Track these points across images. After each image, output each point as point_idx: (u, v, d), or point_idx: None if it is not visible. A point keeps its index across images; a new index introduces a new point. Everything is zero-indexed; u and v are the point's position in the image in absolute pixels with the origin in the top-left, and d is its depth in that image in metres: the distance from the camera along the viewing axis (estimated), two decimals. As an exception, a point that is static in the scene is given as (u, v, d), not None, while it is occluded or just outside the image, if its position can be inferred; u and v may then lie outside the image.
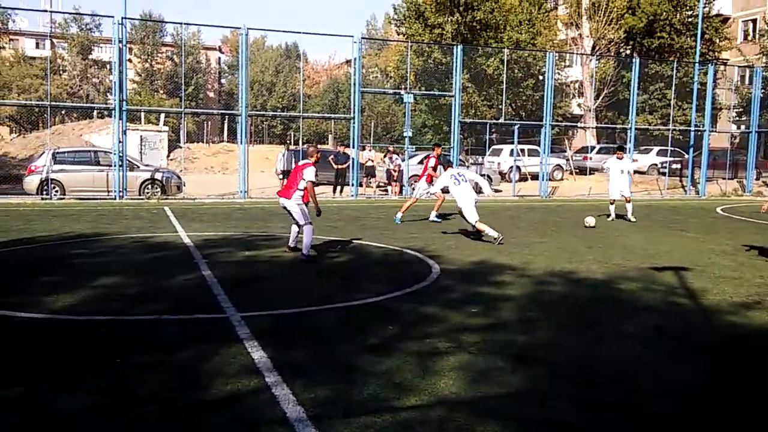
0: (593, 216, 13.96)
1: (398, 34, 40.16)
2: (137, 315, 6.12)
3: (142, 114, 39.95)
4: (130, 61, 50.78)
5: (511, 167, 25.76)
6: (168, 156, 33.23)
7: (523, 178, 26.58)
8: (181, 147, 29.86)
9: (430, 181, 14.49)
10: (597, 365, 4.91)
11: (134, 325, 5.87)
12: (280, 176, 21.12)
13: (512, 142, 27.35)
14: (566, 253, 10.06)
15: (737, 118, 35.09)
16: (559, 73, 35.88)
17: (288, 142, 29.89)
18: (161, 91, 58.45)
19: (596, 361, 4.99)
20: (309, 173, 9.17)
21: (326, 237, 11.39)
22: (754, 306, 6.70)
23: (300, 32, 23.14)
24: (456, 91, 22.43)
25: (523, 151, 27.75)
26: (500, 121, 27.39)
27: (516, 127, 23.85)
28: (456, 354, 5.03)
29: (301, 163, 9.60)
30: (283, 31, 41.43)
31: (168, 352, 5.02)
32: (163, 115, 37.96)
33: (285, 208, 9.36)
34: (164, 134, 33.82)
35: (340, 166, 21.66)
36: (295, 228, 9.60)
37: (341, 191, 21.56)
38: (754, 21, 41.89)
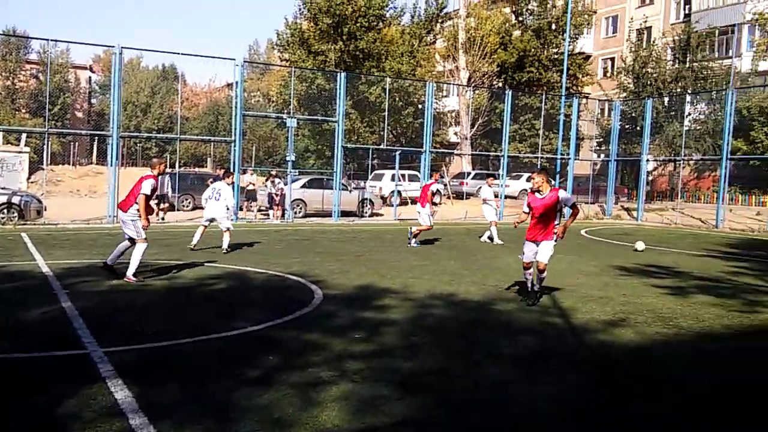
0: (642, 242, 15.11)
1: (281, 60, 39.95)
2: (-18, 355, 5.45)
3: (0, 134, 36.82)
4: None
5: (392, 192, 26.16)
6: (28, 179, 30.71)
7: (403, 203, 27.07)
8: (43, 169, 27.68)
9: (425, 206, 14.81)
10: (480, 389, 4.92)
11: (-23, 366, 5.21)
12: (155, 200, 20.12)
13: (393, 168, 27.83)
14: (446, 275, 10.22)
15: (597, 148, 37.90)
16: (437, 103, 37.12)
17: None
18: (23, 110, 54.24)
19: (479, 385, 5.01)
20: (146, 186, 8.84)
21: (200, 262, 10.86)
22: (620, 323, 7.08)
23: (179, 53, 22.43)
24: (339, 117, 22.51)
25: (403, 176, 28.31)
26: (382, 146, 27.80)
27: (397, 153, 24.28)
28: (339, 383, 4.87)
29: (145, 174, 9.12)
30: (160, 52, 39.49)
31: (20, 396, 4.48)
32: (24, 135, 35.15)
33: (122, 221, 9.05)
34: (25, 155, 31.28)
35: (219, 190, 20.94)
36: (123, 245, 9.15)
37: (220, 216, 20.83)
38: (612, 59, 45.71)
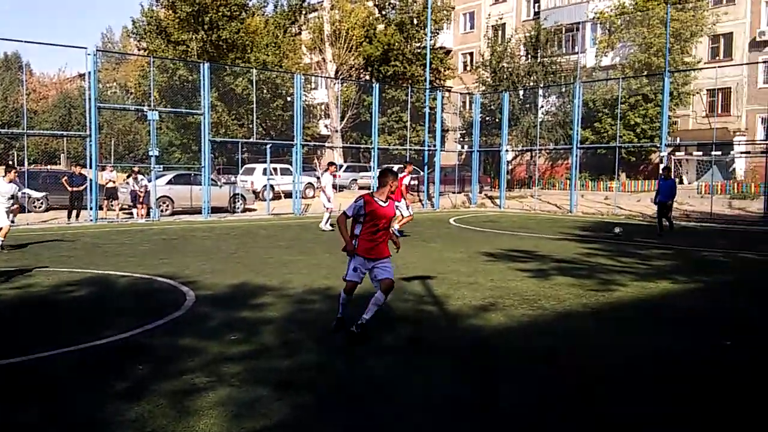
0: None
1: (139, 49, 37.85)
2: None
3: None
4: None
5: (265, 186, 25.71)
6: None
7: (276, 197, 26.69)
8: None
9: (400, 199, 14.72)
10: (362, 384, 4.94)
11: None
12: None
13: (264, 161, 27.33)
14: (323, 269, 10.20)
15: (461, 139, 39.52)
16: (306, 95, 36.95)
17: (11, 162, 26.15)
18: None
19: (361, 380, 5.03)
20: None
21: (60, 269, 10.07)
22: (490, 308, 7.43)
23: (23, 41, 20.38)
24: (205, 110, 21.71)
25: (275, 170, 27.89)
26: (252, 140, 27.20)
27: (268, 146, 23.86)
28: (216, 389, 4.71)
29: None
30: (2, 39, 35.98)
31: None
32: None
33: None
34: None
35: (75, 189, 19.54)
36: None
37: (77, 216, 19.44)
38: (471, 54, 47.70)
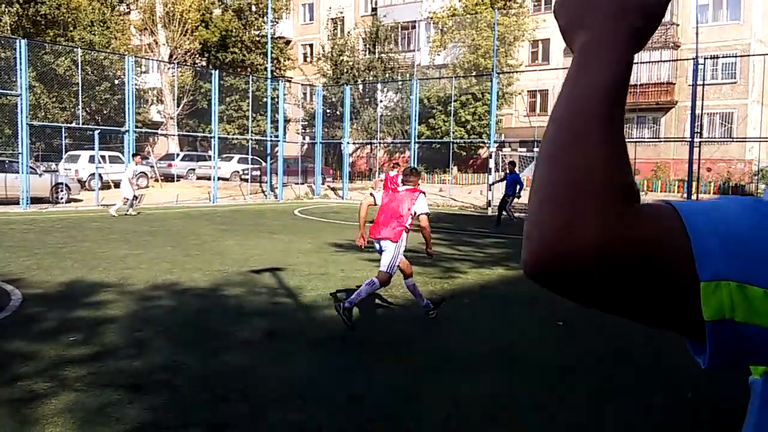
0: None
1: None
2: None
3: None
4: None
5: (92, 175, 23.84)
6: None
7: (106, 186, 24.87)
8: None
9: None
10: (221, 379, 4.82)
11: None
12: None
13: (89, 148, 25.37)
14: (165, 263, 9.75)
15: (303, 131, 39.51)
16: (136, 79, 34.76)
17: None
18: None
19: (220, 376, 4.90)
20: None
21: None
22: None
23: None
24: (22, 90, 19.63)
25: (103, 157, 25.95)
26: (78, 126, 25.06)
27: (96, 132, 22.14)
28: (59, 394, 4.35)
29: None
30: None
31: None
32: None
33: None
34: None
35: None
36: None
37: None
38: (311, 45, 47.72)
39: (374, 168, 34.01)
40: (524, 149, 25.47)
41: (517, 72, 35.07)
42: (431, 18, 39.46)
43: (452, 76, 31.92)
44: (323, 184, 30.96)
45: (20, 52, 19.47)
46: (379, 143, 33.39)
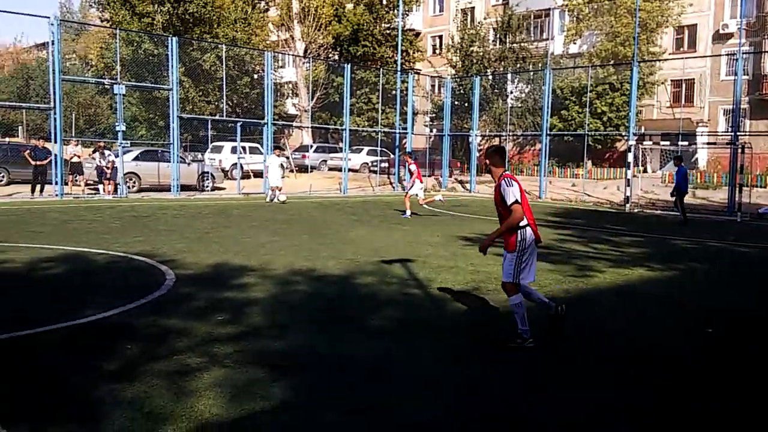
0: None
1: (101, 20, 36.69)
2: None
3: None
4: None
5: (234, 164, 25.34)
6: None
7: (246, 176, 26.34)
8: None
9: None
10: (354, 366, 4.94)
11: None
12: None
13: (232, 139, 26.91)
14: (302, 250, 10.15)
15: (430, 123, 39.57)
16: (274, 74, 36.47)
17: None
18: None
19: (353, 362, 5.03)
20: None
21: (32, 245, 9.79)
22: (474, 292, 7.50)
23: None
24: (174, 85, 21.23)
25: (244, 148, 27.49)
26: (222, 118, 26.75)
27: (238, 124, 23.50)
28: (210, 369, 4.66)
29: None
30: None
31: None
32: None
33: None
34: None
35: (39, 163, 18.95)
36: None
37: (41, 191, 18.89)
38: (440, 37, 47.62)
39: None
40: (667, 142, 23.86)
41: (659, 60, 32.96)
42: (566, 5, 38.01)
43: (588, 66, 30.61)
44: (450, 176, 30.86)
45: (171, 48, 21.04)
46: (509, 135, 32.70)
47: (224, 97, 26.30)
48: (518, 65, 36.36)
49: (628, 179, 21.36)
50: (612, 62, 33.12)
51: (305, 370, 4.79)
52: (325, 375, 4.72)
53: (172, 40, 21.39)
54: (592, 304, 7.26)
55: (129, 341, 5.25)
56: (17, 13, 49.13)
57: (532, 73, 34.66)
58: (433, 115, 38.10)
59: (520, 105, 34.54)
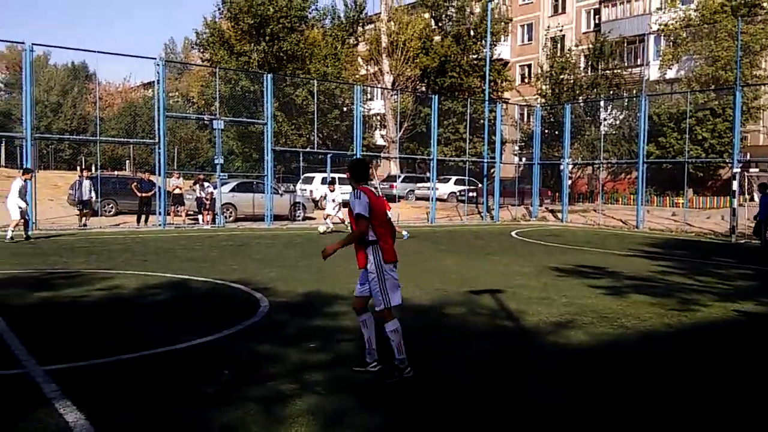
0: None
1: (202, 60, 38.92)
2: None
3: None
4: None
5: (324, 195, 25.89)
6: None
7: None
8: (-55, 173, 25.77)
9: None
10: (450, 396, 4.87)
11: None
12: (78, 206, 19.14)
13: (321, 170, 27.60)
14: (390, 280, 10.15)
15: (519, 151, 39.07)
16: (362, 106, 37.30)
17: (83, 167, 27.18)
18: None
19: (448, 392, 4.95)
20: None
21: (138, 272, 10.36)
22: (568, 325, 7.23)
23: (94, 51, 21.32)
24: (268, 119, 22.12)
25: (334, 179, 28.10)
26: (313, 150, 27.54)
27: (329, 156, 24.12)
28: (303, 396, 4.71)
29: None
30: (74, 49, 37.80)
31: (-46, 425, 4.07)
32: None
33: None
34: None
35: (144, 194, 20.15)
36: None
37: (146, 220, 20.05)
38: (529, 66, 47.23)
39: (596, 189, 32.40)
40: (775, 169, 22.43)
41: (765, 84, 31.17)
42: (662, 30, 36.83)
43: (687, 91, 29.38)
44: (541, 205, 30.24)
45: (266, 85, 21.96)
46: (603, 164, 31.73)
47: (315, 130, 27.11)
48: (611, 92, 35.40)
49: (734, 208, 20.16)
50: (713, 87, 31.63)
51: (395, 399, 4.76)
52: (417, 406, 4.66)
53: (267, 77, 22.34)
54: (696, 340, 6.83)
55: (225, 366, 5.40)
56: (127, 56, 53.27)
57: (626, 100, 33.63)
58: (523, 143, 37.63)
59: (614, 132, 33.51)
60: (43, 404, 4.39)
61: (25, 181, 15.09)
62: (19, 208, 14.73)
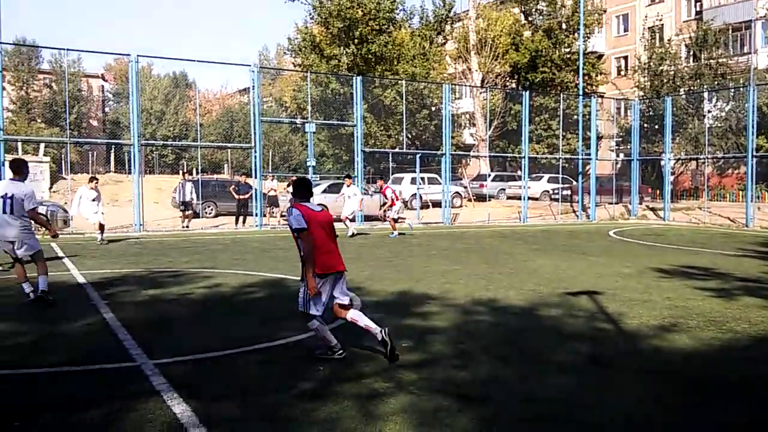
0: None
1: (294, 65, 40.00)
2: (35, 367, 5.37)
3: (20, 144, 37.06)
4: (3, 88, 47.30)
5: (413, 195, 26.02)
6: (50, 188, 30.88)
7: (425, 206, 26.92)
8: (65, 178, 27.85)
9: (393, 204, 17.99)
10: (541, 400, 4.75)
11: (32, 379, 5.13)
12: (181, 207, 20.18)
13: (410, 171, 27.69)
14: (482, 280, 10.06)
15: (616, 147, 37.59)
16: (451, 105, 37.10)
17: (185, 171, 28.68)
18: (39, 120, 54.78)
19: (540, 395, 4.84)
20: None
21: (237, 271, 10.79)
22: (672, 329, 6.88)
23: (194, 60, 22.43)
24: (358, 121, 22.44)
25: (423, 179, 28.16)
26: (402, 150, 27.69)
27: (418, 156, 24.17)
28: (396, 395, 4.73)
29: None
30: (177, 59, 40.03)
31: (75, 411, 4.39)
32: (42, 145, 35.37)
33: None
34: (45, 165, 31.44)
35: (241, 197, 20.96)
36: None
37: (244, 222, 20.86)
38: (626, 58, 45.37)
39: (701, 186, 30.63)
40: None
41: None
42: (769, 15, 34.39)
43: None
44: (640, 203, 28.95)
45: (356, 87, 22.27)
46: (708, 158, 29.99)
47: (404, 131, 27.24)
48: (716, 82, 33.41)
49: None
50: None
51: (490, 401, 4.69)
52: (511, 408, 4.59)
53: (356, 79, 22.66)
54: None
55: (320, 363, 5.52)
56: (224, 63, 55.55)
57: (732, 90, 31.62)
58: (620, 139, 36.19)
59: (720, 125, 31.58)
60: (153, 396, 4.65)
61: (93, 188, 15.35)
62: (94, 213, 15.19)
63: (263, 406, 4.52)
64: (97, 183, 15.64)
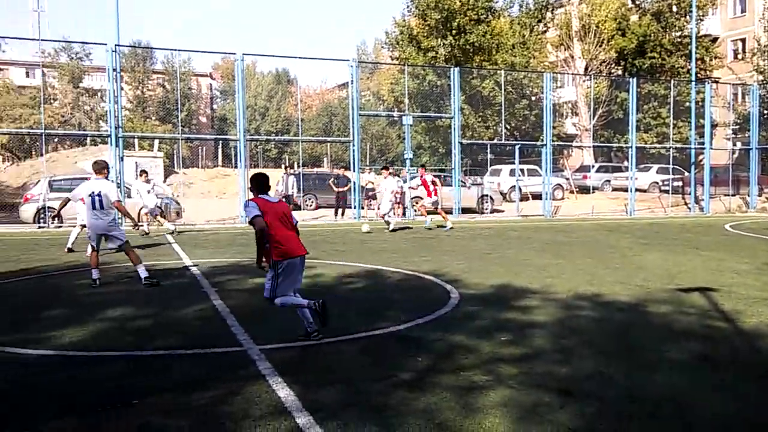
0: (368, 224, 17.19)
1: (391, 58, 40.26)
2: (151, 350, 5.75)
3: (136, 140, 39.66)
4: (121, 88, 50.60)
5: (512, 187, 25.55)
6: (164, 182, 32.89)
7: (523, 198, 26.38)
8: (177, 173, 29.54)
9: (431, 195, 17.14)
10: (648, 398, 4.55)
11: (148, 361, 5.49)
12: (284, 200, 20.88)
13: (509, 162, 27.20)
14: (585, 274, 9.75)
15: (733, 135, 35.20)
16: (552, 94, 36.06)
17: (287, 165, 29.66)
18: (153, 118, 58.33)
19: (646, 393, 4.64)
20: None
21: (336, 262, 11.03)
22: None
23: (296, 57, 23.08)
24: (455, 113, 22.30)
25: (522, 171, 27.60)
26: (501, 141, 27.25)
27: (517, 147, 23.70)
28: (496, 388, 4.67)
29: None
30: (279, 56, 41.65)
31: (188, 391, 4.64)
32: (157, 141, 37.69)
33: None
34: (159, 160, 33.52)
35: (340, 189, 21.41)
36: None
37: (343, 214, 21.30)
38: (743, 40, 42.32)
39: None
40: None
41: None
42: None
43: None
44: (760, 195, 26.99)
45: (453, 78, 22.11)
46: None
47: (502, 122, 26.77)
48: None
49: None
50: None
51: (593, 397, 4.54)
52: (616, 404, 4.42)
53: (453, 70, 22.50)
54: None
55: (419, 353, 5.54)
56: (324, 59, 56.75)
57: None
58: (737, 126, 33.85)
59: None
60: (259, 380, 4.84)
61: (147, 181, 16.11)
62: (156, 198, 16.01)
63: (363, 394, 4.60)
64: (147, 176, 16.47)
